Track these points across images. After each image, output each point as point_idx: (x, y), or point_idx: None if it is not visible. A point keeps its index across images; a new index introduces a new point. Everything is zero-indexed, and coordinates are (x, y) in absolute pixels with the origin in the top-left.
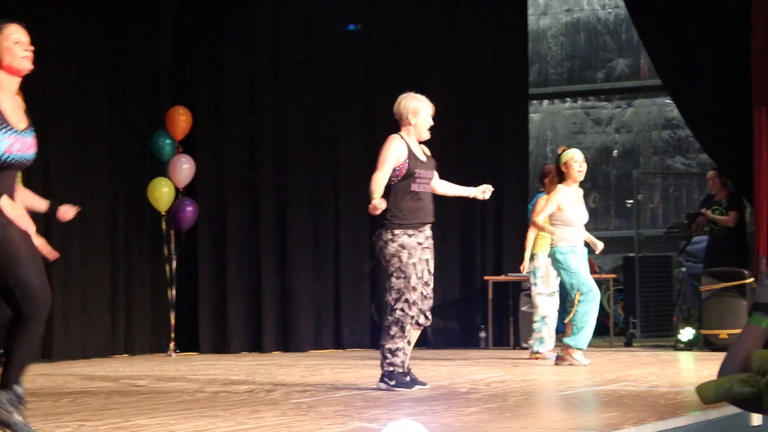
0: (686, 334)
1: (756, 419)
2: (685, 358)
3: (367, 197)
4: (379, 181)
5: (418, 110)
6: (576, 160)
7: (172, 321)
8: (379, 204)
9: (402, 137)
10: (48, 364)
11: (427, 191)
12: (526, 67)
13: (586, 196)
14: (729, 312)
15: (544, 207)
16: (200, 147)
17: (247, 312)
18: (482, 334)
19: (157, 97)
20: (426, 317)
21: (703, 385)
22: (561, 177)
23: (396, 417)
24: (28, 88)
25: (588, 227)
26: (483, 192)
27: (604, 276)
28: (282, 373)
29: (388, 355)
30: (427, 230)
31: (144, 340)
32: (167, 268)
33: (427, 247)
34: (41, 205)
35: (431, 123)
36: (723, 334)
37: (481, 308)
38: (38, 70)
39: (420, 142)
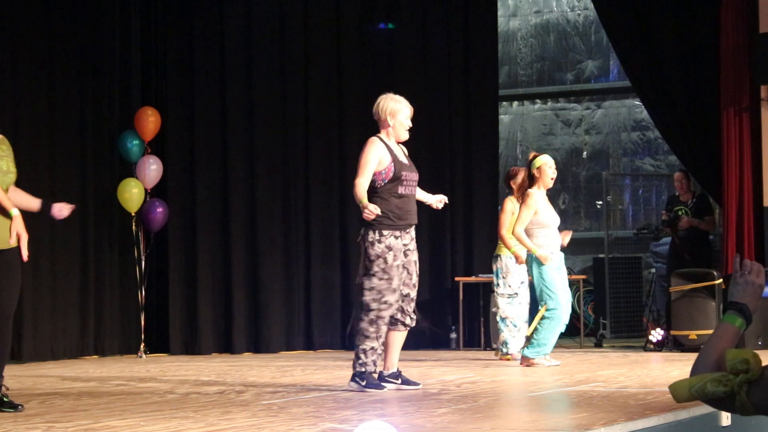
0: (656, 334)
1: (725, 419)
2: (655, 358)
3: (340, 199)
4: (362, 186)
5: (396, 111)
6: (550, 166)
7: (142, 322)
8: (373, 209)
9: (381, 139)
10: (17, 366)
11: (412, 194)
12: (496, 68)
13: (555, 198)
14: (698, 313)
15: (520, 216)
16: (170, 148)
17: (218, 313)
18: (453, 335)
19: (129, 98)
20: (411, 318)
21: (676, 384)
22: (531, 181)
23: (367, 418)
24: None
25: (558, 228)
26: (439, 201)
27: (574, 277)
28: (253, 374)
29: (362, 356)
30: (413, 231)
31: (113, 341)
32: (137, 269)
33: (413, 249)
34: (34, 204)
35: (410, 125)
36: (692, 334)
37: (452, 309)
38: (10, 72)
39: (399, 143)
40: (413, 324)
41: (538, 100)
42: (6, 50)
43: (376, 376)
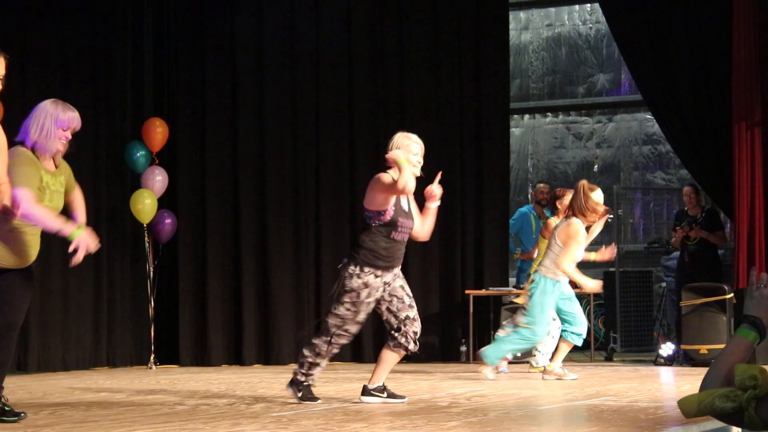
0: (666, 349)
1: None
2: (666, 373)
3: (350, 209)
4: (400, 177)
5: (402, 146)
6: (601, 205)
7: (152, 334)
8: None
9: (392, 176)
10: (26, 376)
11: (404, 240)
12: (507, 81)
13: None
14: (709, 327)
15: (568, 250)
16: (180, 159)
17: (228, 325)
18: (463, 348)
19: (141, 110)
20: (415, 342)
21: (685, 399)
22: (579, 211)
23: (376, 431)
24: (10, 98)
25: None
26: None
27: (583, 290)
28: (262, 386)
29: (306, 367)
30: (390, 275)
31: (126, 352)
32: (147, 280)
33: (396, 278)
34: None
35: (419, 162)
36: (703, 349)
37: (462, 322)
38: (20, 81)
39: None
40: (416, 350)
41: (549, 114)
42: (17, 63)
43: (314, 389)
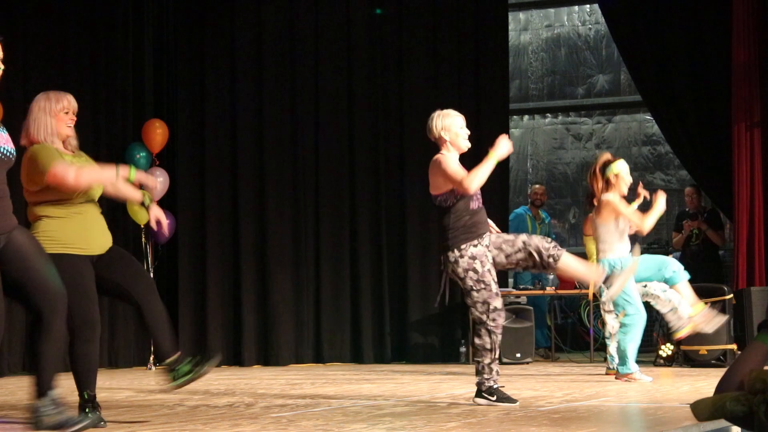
0: (666, 350)
1: None
2: (665, 374)
3: (350, 209)
4: (473, 177)
5: (448, 125)
6: (626, 172)
7: None
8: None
9: (453, 161)
10: (27, 377)
11: (482, 206)
12: (507, 82)
13: (566, 212)
14: None
15: (623, 211)
16: (180, 160)
17: (227, 326)
18: (462, 349)
19: (142, 111)
20: (554, 248)
21: (698, 402)
22: (607, 186)
23: (376, 431)
24: (12, 101)
25: (569, 243)
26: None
27: (584, 291)
28: (262, 386)
29: (486, 371)
30: (486, 238)
31: (125, 353)
32: None
33: (493, 238)
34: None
35: (467, 132)
36: (702, 350)
37: (462, 323)
38: (21, 83)
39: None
40: (559, 254)
41: (548, 114)
42: (19, 64)
43: (504, 388)
